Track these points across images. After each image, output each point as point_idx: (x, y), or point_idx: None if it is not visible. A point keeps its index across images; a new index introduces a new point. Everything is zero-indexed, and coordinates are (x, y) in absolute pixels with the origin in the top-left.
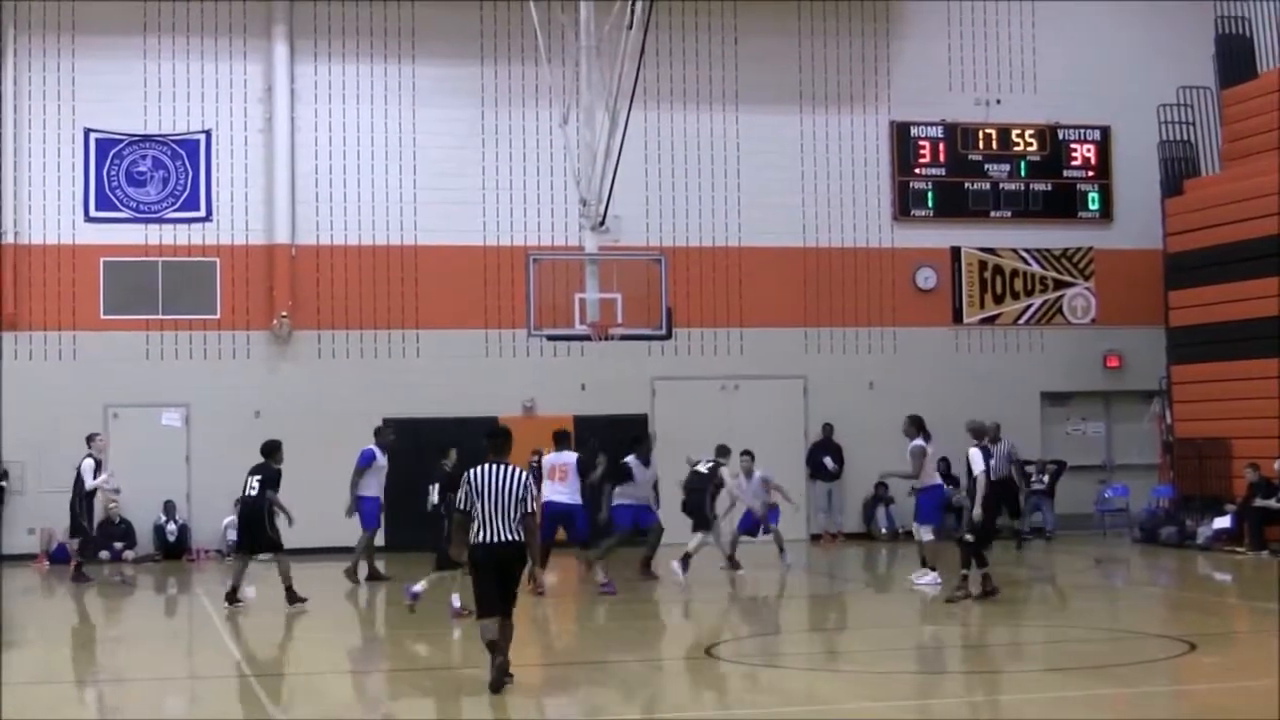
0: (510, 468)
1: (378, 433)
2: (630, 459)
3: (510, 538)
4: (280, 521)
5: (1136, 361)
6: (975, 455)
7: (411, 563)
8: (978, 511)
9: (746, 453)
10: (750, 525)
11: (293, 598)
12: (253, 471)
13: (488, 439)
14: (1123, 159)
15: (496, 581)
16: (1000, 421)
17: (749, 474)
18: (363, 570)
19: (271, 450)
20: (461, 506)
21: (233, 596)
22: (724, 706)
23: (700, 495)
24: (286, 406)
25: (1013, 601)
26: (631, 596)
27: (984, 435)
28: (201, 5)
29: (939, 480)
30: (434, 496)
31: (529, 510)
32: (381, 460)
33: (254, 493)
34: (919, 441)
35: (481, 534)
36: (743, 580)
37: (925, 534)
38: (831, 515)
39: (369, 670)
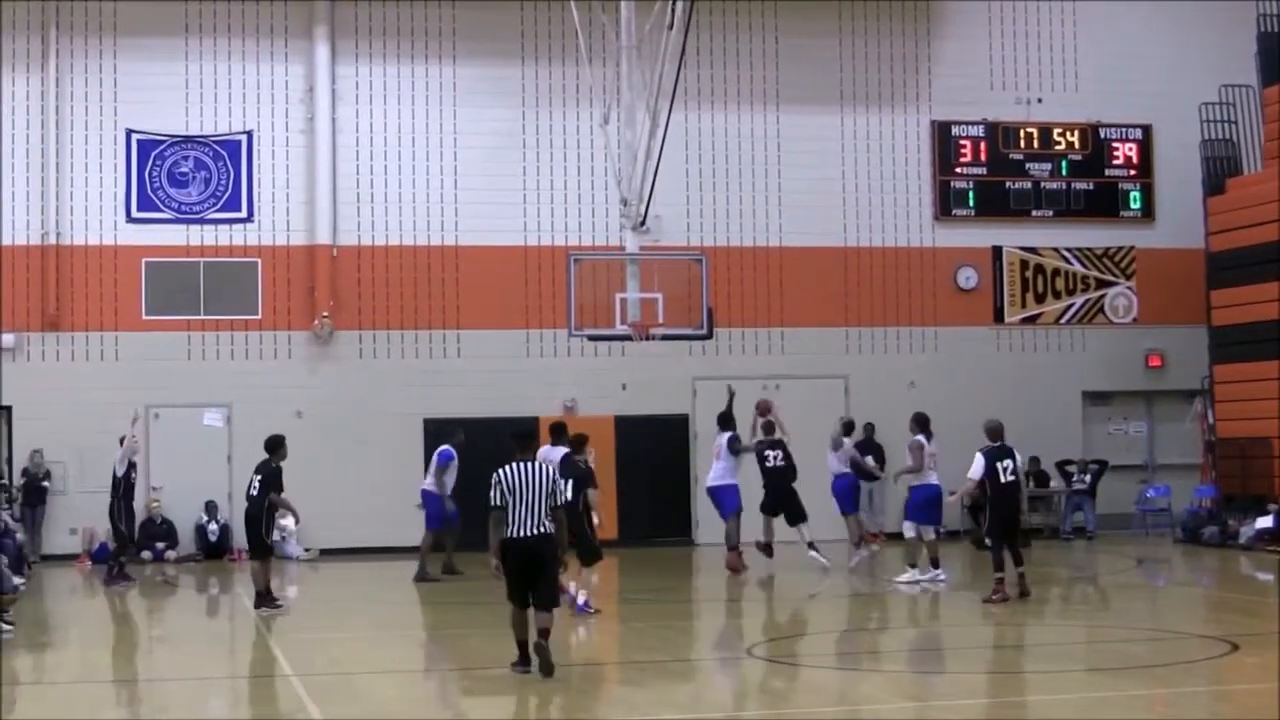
0: (538, 464)
1: (450, 434)
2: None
3: (539, 531)
4: (287, 523)
5: (1178, 361)
6: (977, 459)
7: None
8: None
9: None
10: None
11: (261, 601)
12: (255, 470)
13: (514, 439)
14: (1164, 158)
15: (525, 574)
16: (1041, 422)
17: (837, 446)
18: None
19: (273, 446)
20: (495, 503)
21: (265, 599)
22: (765, 706)
23: (783, 489)
24: (328, 406)
25: (1054, 601)
26: (671, 596)
27: (1000, 436)
28: (243, 6)
29: (935, 479)
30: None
31: (558, 504)
32: (456, 460)
33: (255, 492)
34: (918, 437)
35: (513, 529)
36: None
37: (909, 530)
38: (873, 515)
39: (411, 671)
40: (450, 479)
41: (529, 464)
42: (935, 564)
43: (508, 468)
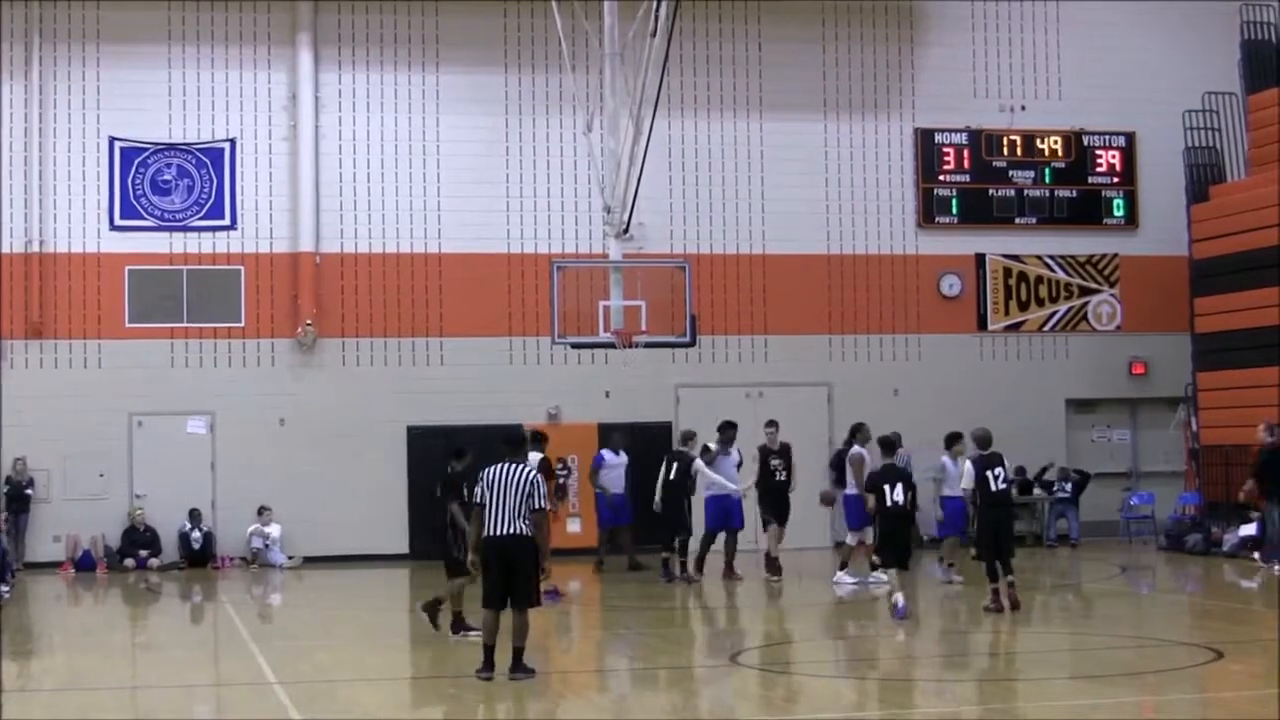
0: (520, 466)
1: (609, 438)
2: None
3: (514, 530)
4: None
5: (1162, 368)
6: (968, 468)
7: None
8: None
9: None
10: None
11: (457, 624)
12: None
13: (504, 443)
14: (1148, 165)
15: (501, 574)
16: (1024, 429)
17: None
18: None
19: (457, 454)
20: (476, 500)
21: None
22: (750, 713)
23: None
24: (311, 414)
25: (1039, 609)
26: (658, 603)
27: (988, 444)
28: (226, 14)
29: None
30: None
31: (536, 507)
32: (614, 460)
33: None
34: (856, 449)
35: (489, 527)
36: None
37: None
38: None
39: (395, 678)
40: (611, 476)
41: (513, 465)
42: (843, 566)
43: (492, 467)
